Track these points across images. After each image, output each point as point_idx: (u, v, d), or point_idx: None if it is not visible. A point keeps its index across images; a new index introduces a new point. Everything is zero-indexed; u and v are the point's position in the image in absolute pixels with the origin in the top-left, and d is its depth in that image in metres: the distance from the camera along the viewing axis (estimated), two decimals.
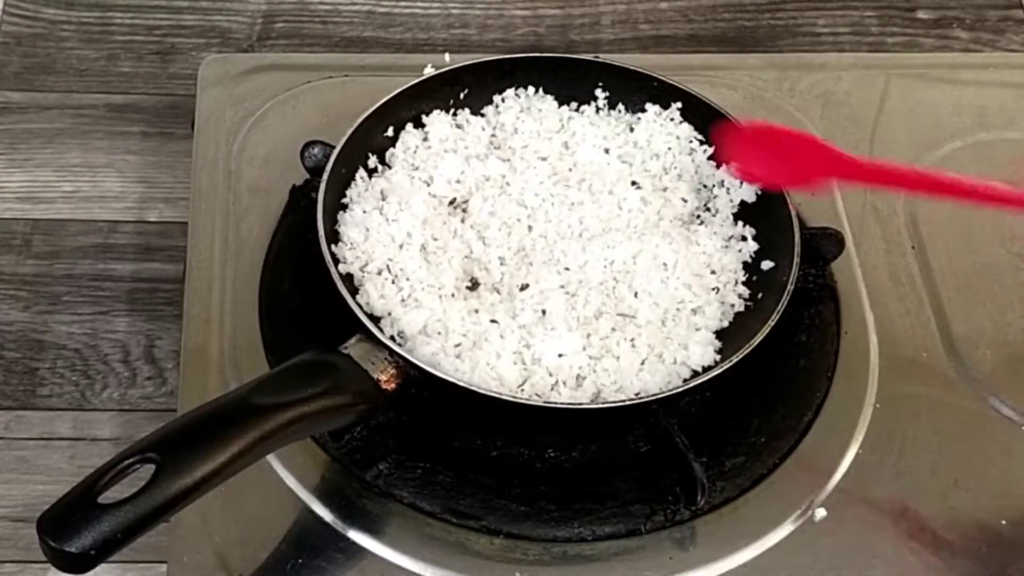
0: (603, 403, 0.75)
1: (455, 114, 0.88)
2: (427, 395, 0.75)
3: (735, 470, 0.79)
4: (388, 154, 0.86)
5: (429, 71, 0.91)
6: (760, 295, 0.81)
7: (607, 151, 0.88)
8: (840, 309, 0.86)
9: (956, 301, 0.88)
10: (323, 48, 1.09)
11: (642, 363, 0.77)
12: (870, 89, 1.01)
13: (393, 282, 0.79)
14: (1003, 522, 0.78)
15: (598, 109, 0.90)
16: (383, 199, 0.83)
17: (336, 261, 0.78)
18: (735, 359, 0.75)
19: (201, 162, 0.92)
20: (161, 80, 1.07)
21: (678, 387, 0.75)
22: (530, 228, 0.84)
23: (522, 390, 0.75)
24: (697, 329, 0.79)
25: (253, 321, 0.84)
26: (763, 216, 0.84)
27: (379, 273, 0.79)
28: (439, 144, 0.87)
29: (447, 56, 0.90)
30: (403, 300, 0.78)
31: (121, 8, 1.11)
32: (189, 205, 0.91)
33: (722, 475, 0.78)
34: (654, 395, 0.75)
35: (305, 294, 0.84)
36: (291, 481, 0.77)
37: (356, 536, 0.75)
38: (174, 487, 0.61)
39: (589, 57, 0.92)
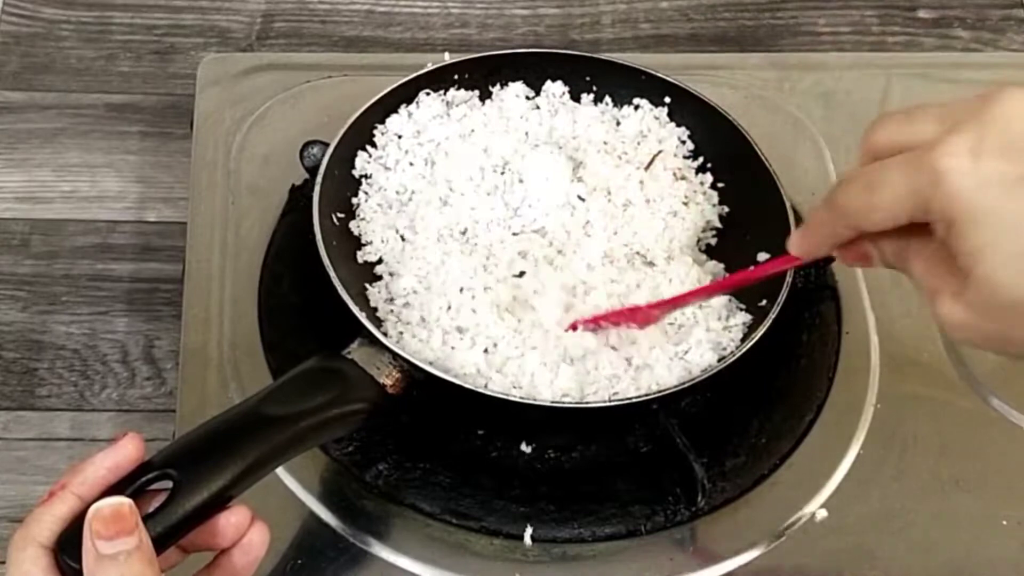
0: (603, 402, 0.75)
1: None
2: (428, 396, 0.74)
3: (735, 470, 0.79)
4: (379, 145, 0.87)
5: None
6: (759, 294, 0.81)
7: (605, 144, 0.88)
8: (841, 309, 0.86)
9: None
10: (322, 48, 1.09)
11: (643, 363, 0.77)
12: (871, 88, 1.01)
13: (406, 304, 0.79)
14: (1003, 522, 0.78)
15: (596, 101, 0.90)
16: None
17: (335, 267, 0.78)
18: (735, 356, 0.75)
19: (200, 162, 0.92)
20: (160, 80, 1.07)
21: (678, 385, 0.75)
22: (528, 227, 0.84)
23: (524, 390, 0.75)
24: (696, 327, 0.79)
25: (252, 321, 0.84)
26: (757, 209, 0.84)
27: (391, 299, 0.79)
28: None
29: (447, 55, 0.89)
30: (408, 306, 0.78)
31: (120, 8, 1.11)
32: (188, 205, 0.91)
33: (722, 475, 0.78)
34: (654, 393, 0.75)
35: (305, 294, 0.84)
36: (291, 482, 0.77)
37: (356, 537, 0.75)
38: (192, 503, 0.60)
39: (578, 52, 0.91)
